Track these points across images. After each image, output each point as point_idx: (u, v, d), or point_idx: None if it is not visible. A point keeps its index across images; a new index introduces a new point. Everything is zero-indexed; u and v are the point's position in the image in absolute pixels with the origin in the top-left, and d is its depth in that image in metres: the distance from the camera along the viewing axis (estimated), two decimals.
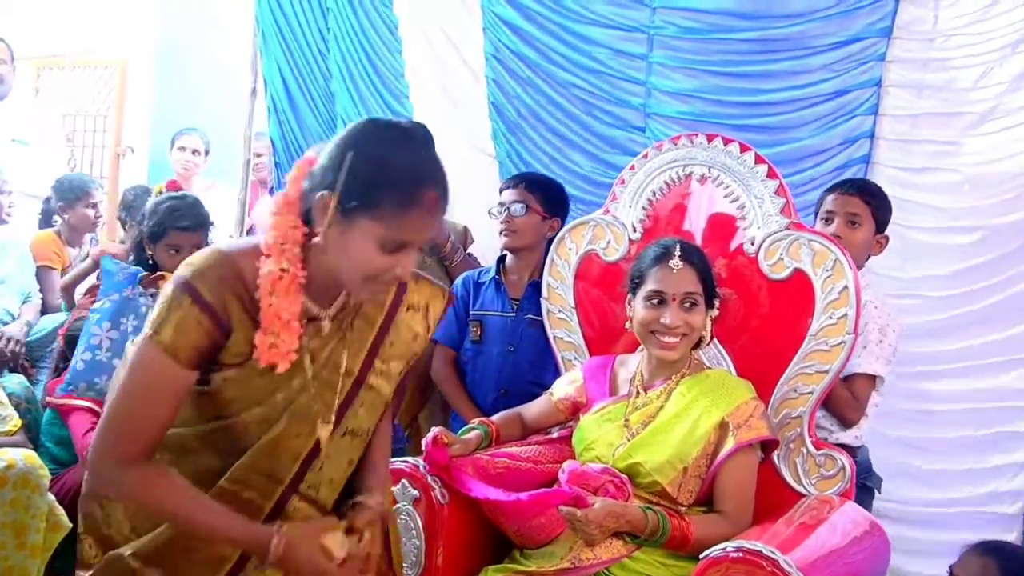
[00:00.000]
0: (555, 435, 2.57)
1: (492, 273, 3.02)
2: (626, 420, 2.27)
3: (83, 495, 1.82)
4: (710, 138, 2.51)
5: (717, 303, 2.29)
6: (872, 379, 2.55)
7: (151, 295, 2.84)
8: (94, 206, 4.28)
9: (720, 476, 2.17)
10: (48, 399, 3.44)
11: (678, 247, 2.23)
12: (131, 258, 3.06)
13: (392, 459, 2.17)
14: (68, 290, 3.98)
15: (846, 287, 2.27)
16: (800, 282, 2.34)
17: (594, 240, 2.66)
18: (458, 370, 3.03)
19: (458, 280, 3.10)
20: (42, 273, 4.12)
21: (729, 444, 2.16)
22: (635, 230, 2.59)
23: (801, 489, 2.29)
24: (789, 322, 2.35)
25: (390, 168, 1.53)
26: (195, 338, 1.56)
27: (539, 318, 2.82)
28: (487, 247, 3.61)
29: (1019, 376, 2.86)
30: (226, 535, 1.63)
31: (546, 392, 2.53)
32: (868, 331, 2.49)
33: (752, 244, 2.41)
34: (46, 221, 4.44)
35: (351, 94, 4.15)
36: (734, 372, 2.40)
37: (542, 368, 2.87)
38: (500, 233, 2.94)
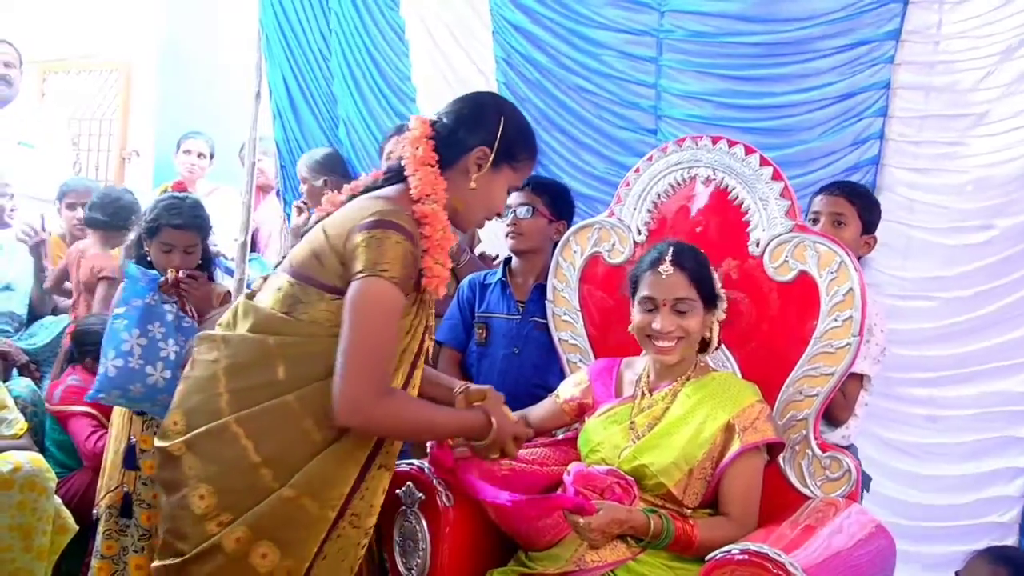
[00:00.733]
0: (560, 437, 2.57)
1: (498, 275, 3.01)
2: (632, 422, 2.27)
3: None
4: (715, 140, 2.51)
5: (722, 305, 2.29)
6: (860, 378, 2.56)
7: (173, 301, 2.83)
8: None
9: (725, 478, 2.17)
10: (47, 406, 3.45)
11: (670, 251, 2.23)
12: (132, 256, 3.04)
13: (397, 462, 2.20)
14: (51, 292, 3.98)
15: (851, 289, 2.26)
16: (805, 284, 2.33)
17: (599, 242, 2.66)
18: (463, 372, 3.03)
19: (464, 282, 3.10)
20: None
21: (735, 446, 2.16)
22: (640, 232, 2.59)
23: (806, 491, 2.28)
24: (794, 324, 2.35)
25: (527, 133, 2.15)
26: (411, 269, 1.93)
27: (544, 321, 2.81)
28: (490, 246, 3.63)
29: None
30: (458, 425, 2.10)
31: (551, 394, 2.54)
32: None
33: (757, 246, 2.41)
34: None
35: (354, 96, 4.16)
36: (740, 374, 2.40)
37: (547, 371, 2.87)
38: (506, 236, 2.94)
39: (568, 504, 2.06)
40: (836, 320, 2.28)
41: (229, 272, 4.16)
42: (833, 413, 2.52)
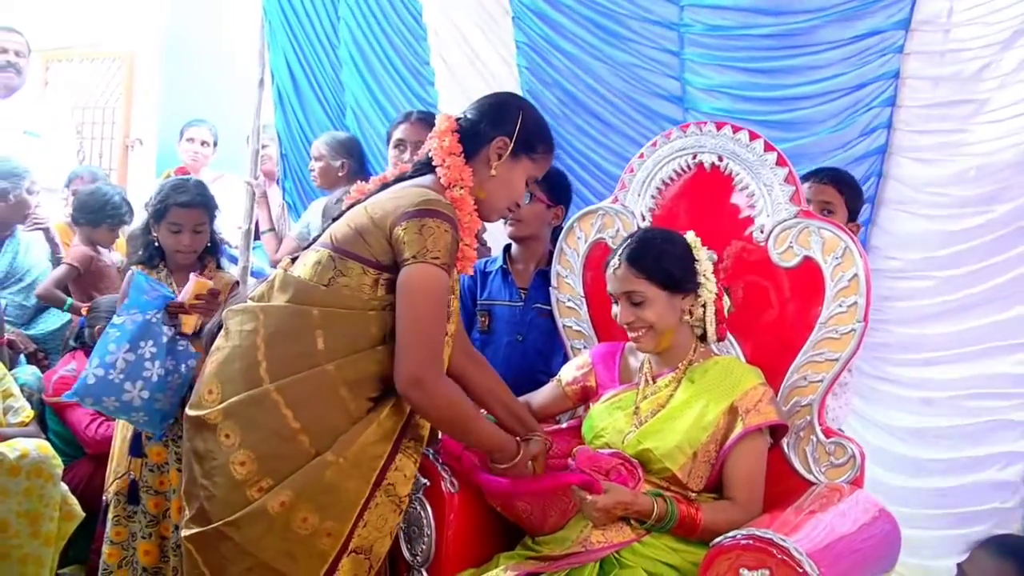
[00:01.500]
0: (565, 425, 2.58)
1: (499, 263, 3.01)
2: (636, 408, 2.28)
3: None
4: (719, 126, 2.50)
5: (708, 287, 2.27)
6: None
7: (172, 326, 2.82)
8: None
9: (729, 461, 2.18)
10: (44, 397, 3.47)
11: (624, 244, 2.28)
12: (136, 243, 3.05)
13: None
14: (50, 294, 3.98)
15: (856, 275, 2.26)
16: (810, 270, 2.33)
17: (603, 228, 2.66)
18: None
19: None
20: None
21: (738, 429, 2.17)
22: (644, 218, 2.59)
23: (811, 477, 2.28)
24: (799, 310, 2.35)
25: (544, 127, 2.28)
26: (454, 251, 2.06)
27: (547, 307, 2.81)
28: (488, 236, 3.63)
29: (1019, 361, 2.85)
30: (495, 441, 2.15)
31: (554, 378, 2.54)
32: None
33: (762, 232, 2.40)
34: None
35: (366, 82, 4.13)
36: (745, 360, 2.40)
37: (551, 357, 2.87)
38: (506, 223, 2.93)
39: (577, 480, 2.08)
40: (841, 306, 2.27)
41: (233, 260, 4.17)
42: None
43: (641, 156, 2.62)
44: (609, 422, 2.30)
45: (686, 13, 3.15)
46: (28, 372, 3.66)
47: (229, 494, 1.96)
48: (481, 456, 2.22)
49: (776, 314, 2.39)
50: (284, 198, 4.63)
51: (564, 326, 2.73)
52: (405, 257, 2.00)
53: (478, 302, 2.99)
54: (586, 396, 2.47)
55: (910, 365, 2.97)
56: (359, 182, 2.29)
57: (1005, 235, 2.80)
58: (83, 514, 3.11)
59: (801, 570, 1.74)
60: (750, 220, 2.43)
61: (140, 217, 4.39)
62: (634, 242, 2.28)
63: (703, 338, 2.32)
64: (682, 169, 2.55)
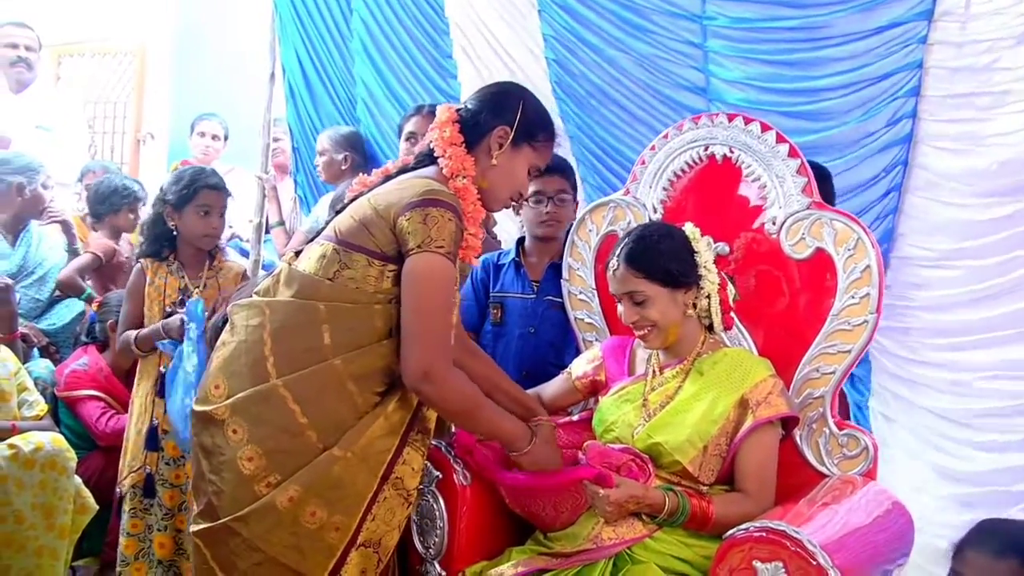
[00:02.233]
0: (576, 417, 2.58)
1: (511, 255, 3.01)
2: (644, 400, 2.28)
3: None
4: (731, 117, 2.48)
5: (709, 278, 2.27)
6: None
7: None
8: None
9: (740, 454, 2.17)
10: (56, 391, 3.49)
11: (621, 245, 2.27)
12: (145, 236, 3.05)
13: None
14: (72, 281, 4.01)
15: (868, 266, 2.24)
16: (822, 261, 2.31)
17: (615, 221, 2.65)
18: None
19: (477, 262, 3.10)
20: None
21: (748, 421, 2.16)
22: (656, 211, 2.58)
23: (824, 469, 2.27)
24: (811, 302, 2.34)
25: (545, 115, 2.27)
26: (458, 241, 2.04)
27: (560, 300, 2.81)
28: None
29: None
30: (508, 430, 2.13)
31: (564, 371, 2.54)
32: None
33: (774, 224, 2.39)
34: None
35: (382, 75, 4.13)
36: (756, 352, 2.39)
37: (563, 350, 2.87)
38: (542, 222, 2.90)
39: (590, 475, 2.07)
40: (853, 297, 2.26)
41: (245, 253, 4.18)
42: None
43: (653, 148, 2.61)
44: (619, 415, 2.29)
45: (709, 5, 3.14)
46: (41, 366, 3.68)
47: (237, 490, 1.96)
48: (495, 452, 2.22)
49: (788, 306, 2.38)
50: (296, 192, 4.64)
51: (576, 319, 2.73)
52: (410, 247, 1.98)
53: (491, 294, 2.99)
54: (596, 389, 2.47)
55: (939, 350, 2.96)
56: (361, 174, 2.28)
57: None
58: (96, 507, 3.12)
59: (815, 562, 1.74)
60: (762, 212, 2.42)
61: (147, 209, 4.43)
62: (631, 241, 2.26)
63: (710, 328, 2.31)
64: (694, 161, 2.54)
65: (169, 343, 2.87)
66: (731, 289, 2.32)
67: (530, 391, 2.54)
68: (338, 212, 2.18)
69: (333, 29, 4.31)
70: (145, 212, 4.20)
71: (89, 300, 3.94)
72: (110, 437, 3.36)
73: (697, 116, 2.56)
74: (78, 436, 3.42)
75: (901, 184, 2.96)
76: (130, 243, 4.29)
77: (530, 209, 2.91)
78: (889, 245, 2.98)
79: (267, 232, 4.44)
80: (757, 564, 1.80)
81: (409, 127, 3.44)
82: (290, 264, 2.13)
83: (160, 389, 2.93)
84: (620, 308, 2.29)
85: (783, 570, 1.77)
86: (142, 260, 3.05)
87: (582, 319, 2.72)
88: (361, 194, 2.18)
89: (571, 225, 2.90)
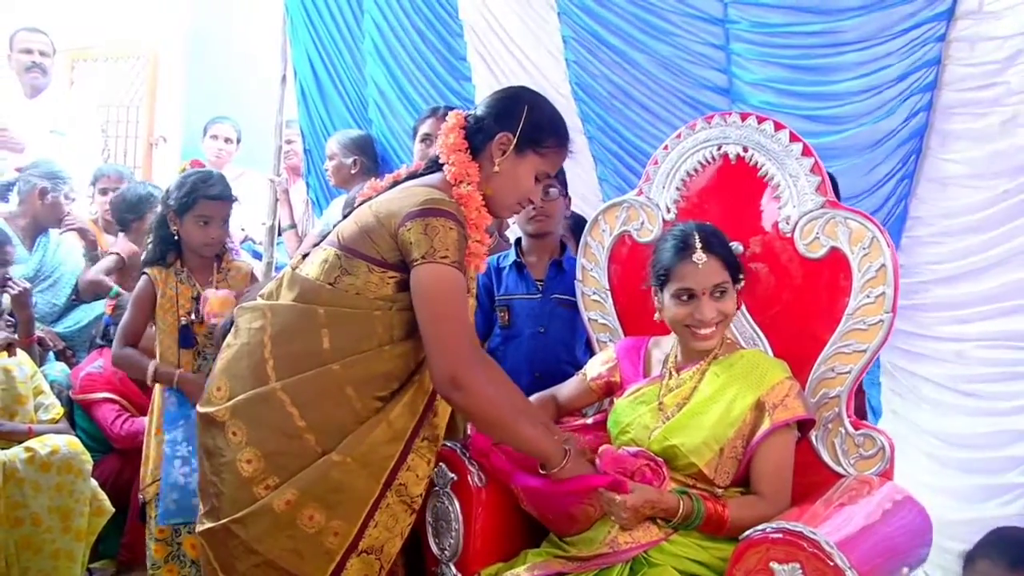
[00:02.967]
0: (590, 420, 2.57)
1: (512, 258, 2.99)
2: (660, 402, 2.27)
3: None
4: (744, 117, 2.47)
5: (742, 276, 2.27)
6: None
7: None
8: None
9: (757, 457, 2.16)
10: (71, 394, 3.50)
11: (697, 238, 2.20)
12: (151, 239, 3.03)
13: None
14: (96, 281, 4.03)
15: (884, 265, 2.23)
16: (837, 261, 2.30)
17: (627, 221, 2.64)
18: None
19: None
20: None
21: (765, 424, 2.15)
22: (669, 211, 2.57)
23: (840, 470, 2.26)
24: (826, 301, 2.32)
25: (553, 121, 2.20)
26: (463, 249, 2.03)
27: (566, 297, 2.81)
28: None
29: None
30: (540, 444, 2.10)
31: (579, 372, 2.54)
32: None
33: (788, 223, 2.38)
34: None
35: (395, 77, 4.14)
36: (771, 352, 2.38)
37: (574, 347, 2.87)
38: (531, 219, 2.90)
39: (605, 482, 2.07)
40: (869, 296, 2.25)
41: (257, 256, 4.20)
42: None
43: (665, 148, 2.60)
44: (634, 417, 2.28)
45: (731, 9, 3.14)
46: (57, 369, 3.70)
47: (236, 491, 1.97)
48: (510, 455, 2.21)
49: (803, 305, 2.37)
50: (308, 195, 4.65)
51: (589, 319, 2.72)
52: (414, 258, 1.98)
53: (496, 298, 2.98)
54: (610, 390, 2.46)
55: (946, 323, 2.97)
56: (373, 179, 2.29)
57: None
58: (112, 509, 3.14)
59: (832, 563, 1.73)
60: (776, 211, 2.41)
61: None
62: (703, 233, 2.22)
63: None
64: (707, 160, 2.53)
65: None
66: None
67: (544, 392, 2.54)
68: (346, 216, 2.19)
69: (344, 31, 4.32)
70: None
71: (117, 296, 3.97)
72: (125, 440, 3.37)
73: (710, 116, 2.55)
74: (93, 439, 3.44)
75: (914, 172, 2.96)
76: None
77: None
78: (901, 227, 2.99)
79: (279, 235, 4.45)
80: (774, 565, 1.79)
81: (424, 129, 3.45)
82: (293, 268, 2.14)
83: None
84: (681, 307, 2.20)
85: (800, 571, 1.76)
86: (148, 270, 2.96)
87: (596, 320, 2.71)
88: (371, 198, 2.18)
89: (568, 220, 2.90)
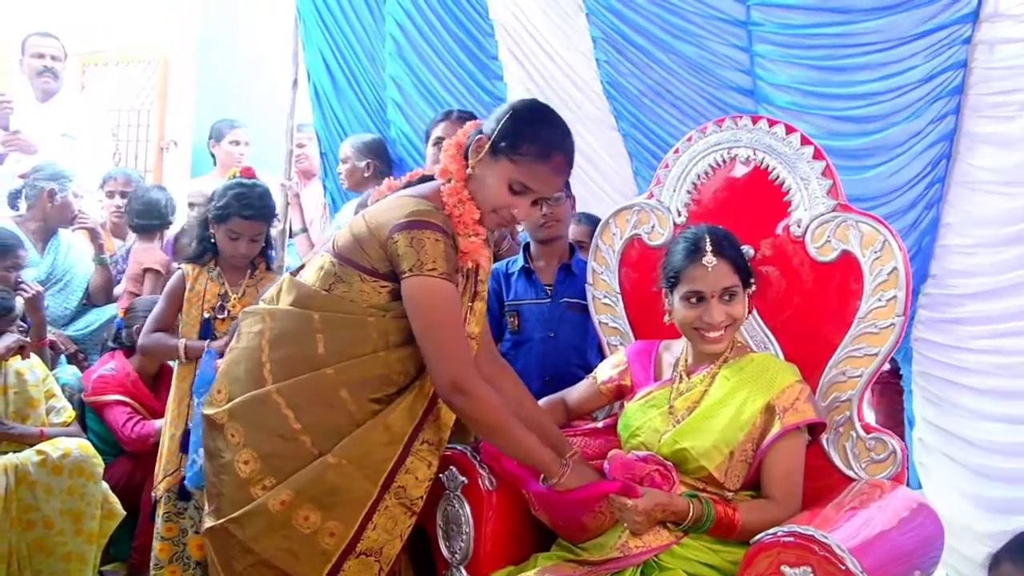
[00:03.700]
0: (600, 424, 2.57)
1: (520, 263, 3.00)
2: (671, 406, 2.26)
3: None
4: (755, 120, 2.47)
5: (753, 280, 2.27)
6: None
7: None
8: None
9: (767, 460, 2.15)
10: (83, 397, 3.52)
11: (708, 241, 2.20)
12: (193, 237, 3.07)
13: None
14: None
15: (895, 268, 2.23)
16: (848, 264, 2.30)
17: (638, 225, 2.65)
18: None
19: None
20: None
21: (776, 428, 2.14)
22: (680, 214, 2.57)
23: (851, 473, 2.26)
24: (837, 305, 2.32)
25: (536, 129, 2.08)
26: (453, 262, 2.03)
27: (576, 301, 2.82)
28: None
29: None
30: (533, 455, 2.08)
31: (589, 376, 2.53)
32: None
33: (799, 227, 2.38)
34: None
35: (420, 78, 4.14)
36: (782, 356, 2.37)
37: (585, 350, 2.87)
38: (540, 226, 2.91)
39: (615, 488, 2.07)
40: (880, 300, 2.25)
41: (272, 258, 4.20)
42: None
43: (676, 151, 2.60)
44: (644, 421, 2.28)
45: (754, 12, 3.14)
46: (68, 372, 3.72)
47: (235, 492, 2.01)
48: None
49: (814, 309, 2.36)
50: (325, 197, 4.66)
51: (600, 323, 2.72)
52: (403, 270, 2.01)
53: (505, 304, 2.98)
54: (621, 394, 2.46)
55: (986, 337, 2.95)
56: (389, 179, 2.30)
57: None
58: (124, 512, 3.15)
59: (843, 567, 1.73)
60: (787, 214, 2.40)
61: (184, 214, 4.48)
62: (712, 236, 2.22)
63: None
64: (718, 164, 2.53)
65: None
66: None
67: (554, 396, 2.54)
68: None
69: (361, 33, 4.32)
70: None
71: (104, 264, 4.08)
72: (137, 443, 3.38)
73: (721, 119, 2.55)
74: (105, 441, 3.45)
75: (945, 176, 2.95)
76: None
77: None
78: (934, 235, 2.97)
79: (291, 238, 4.46)
80: (785, 569, 1.79)
81: (437, 132, 3.46)
82: (292, 274, 2.18)
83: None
84: (690, 310, 2.21)
85: (812, 575, 1.76)
86: (184, 265, 3.06)
87: (606, 323, 2.71)
88: (385, 196, 2.21)
89: (576, 222, 2.90)
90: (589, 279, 2.74)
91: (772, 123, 2.45)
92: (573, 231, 3.19)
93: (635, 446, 2.26)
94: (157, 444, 3.13)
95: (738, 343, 2.31)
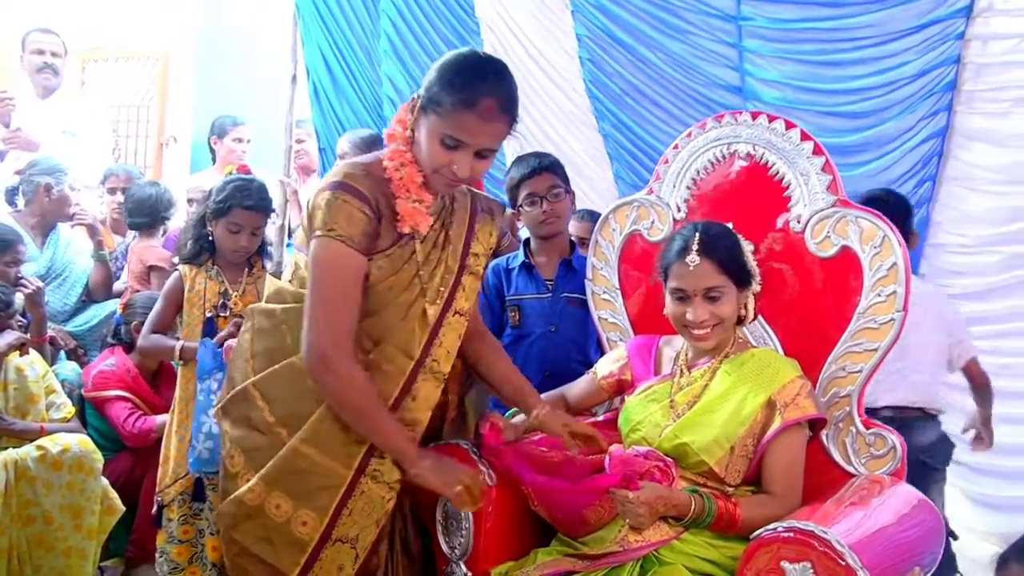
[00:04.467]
0: (601, 418, 2.57)
1: (520, 258, 3.01)
2: (671, 400, 2.26)
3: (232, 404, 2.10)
4: (754, 115, 2.47)
5: (756, 279, 2.27)
6: None
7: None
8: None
9: (768, 455, 2.16)
10: (83, 392, 3.52)
11: (696, 239, 2.20)
12: (190, 237, 3.07)
13: (439, 442, 2.27)
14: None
15: (895, 264, 2.23)
16: (848, 259, 2.30)
17: (638, 220, 2.64)
18: None
19: (487, 270, 3.10)
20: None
21: (776, 423, 2.14)
22: (679, 210, 2.57)
23: (851, 469, 2.26)
24: (837, 300, 2.32)
25: (454, 77, 1.95)
26: (359, 223, 1.93)
27: (577, 296, 2.82)
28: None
29: None
30: (394, 441, 2.00)
31: (589, 371, 2.53)
32: None
33: (798, 222, 2.38)
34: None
35: (412, 75, 4.16)
36: (781, 351, 2.38)
37: (586, 345, 2.88)
38: (541, 222, 2.92)
39: (614, 481, 2.07)
40: (880, 295, 2.25)
41: (269, 256, 4.19)
42: None
43: (676, 147, 2.60)
44: (645, 415, 2.28)
45: (744, 6, 3.14)
46: (68, 368, 3.72)
47: (227, 484, 2.08)
48: (521, 454, 2.22)
49: (814, 304, 2.36)
50: None
51: (600, 318, 2.72)
52: (312, 229, 1.97)
53: (506, 299, 2.99)
54: (621, 389, 2.46)
55: (980, 337, 2.95)
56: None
57: None
58: (123, 508, 3.15)
59: (843, 563, 1.73)
60: (787, 210, 2.40)
61: (184, 209, 4.48)
62: (704, 236, 2.21)
63: (738, 323, 2.30)
64: (717, 159, 2.52)
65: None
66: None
67: (554, 392, 2.53)
68: None
69: (359, 30, 4.34)
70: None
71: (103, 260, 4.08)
72: (137, 437, 3.39)
73: (720, 115, 2.55)
74: (105, 437, 3.45)
75: (936, 175, 2.95)
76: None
77: (527, 212, 2.93)
78: (924, 233, 2.97)
79: (290, 236, 4.46)
80: (785, 565, 1.79)
81: None
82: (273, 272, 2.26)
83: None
84: (679, 307, 2.22)
85: (811, 570, 1.77)
86: (181, 266, 3.05)
87: (606, 319, 2.71)
88: None
89: (579, 218, 2.89)
90: (589, 274, 2.74)
91: (772, 119, 2.44)
92: (574, 227, 3.19)
93: (636, 440, 2.26)
94: (158, 440, 3.13)
95: (739, 338, 2.31)
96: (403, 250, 2.05)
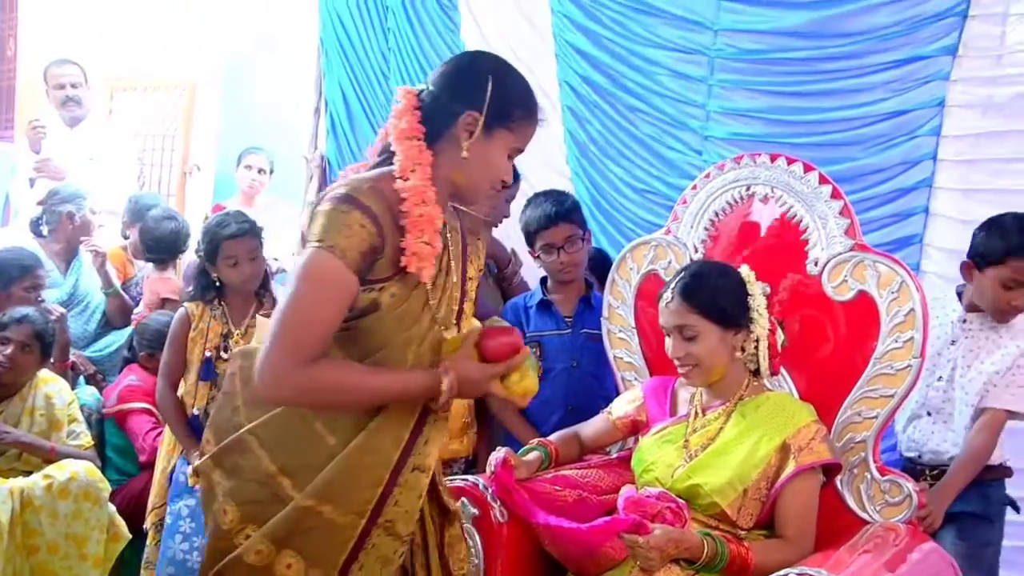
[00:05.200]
0: (614, 456, 2.56)
1: (538, 296, 3.03)
2: (686, 441, 2.26)
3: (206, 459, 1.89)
4: (773, 158, 2.49)
5: (760, 323, 2.24)
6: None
7: None
8: None
9: (781, 499, 2.14)
10: (105, 410, 3.55)
11: (677, 281, 2.24)
12: (191, 288, 3.09)
13: (452, 478, 2.25)
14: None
15: (912, 309, 2.22)
16: (865, 304, 2.30)
17: (655, 260, 2.65)
18: None
19: (505, 307, 3.12)
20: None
21: (790, 467, 2.13)
22: (696, 250, 2.58)
23: (865, 516, 2.24)
24: (853, 345, 2.31)
25: (520, 89, 1.87)
26: (359, 242, 1.72)
27: (596, 331, 2.83)
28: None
29: None
30: (402, 387, 1.78)
31: (604, 411, 2.53)
32: None
33: (816, 265, 2.38)
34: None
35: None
36: (797, 395, 2.37)
37: (605, 380, 2.88)
38: (559, 271, 2.94)
39: (625, 525, 2.05)
40: (897, 341, 2.24)
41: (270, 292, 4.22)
42: None
43: (694, 188, 2.61)
44: (659, 456, 2.28)
45: (720, 38, 3.15)
46: (87, 393, 3.74)
47: (218, 542, 1.85)
48: (533, 494, 2.21)
49: (830, 349, 2.36)
50: None
51: (615, 357, 2.72)
52: (308, 240, 1.75)
53: (526, 335, 2.99)
54: (636, 429, 2.46)
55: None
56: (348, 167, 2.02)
57: None
58: (129, 535, 3.16)
59: None
60: (804, 253, 2.40)
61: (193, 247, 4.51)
62: (687, 276, 2.25)
63: (756, 372, 2.29)
64: (735, 201, 2.53)
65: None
66: (780, 335, 2.29)
67: (567, 431, 2.53)
68: None
69: (376, 66, 4.39)
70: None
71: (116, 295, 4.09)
72: (154, 453, 3.41)
73: (739, 156, 2.56)
74: (123, 455, 3.48)
75: (922, 235, 2.93)
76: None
77: (544, 260, 2.96)
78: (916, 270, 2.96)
79: None
80: None
81: None
82: None
83: (190, 430, 2.99)
84: (668, 342, 2.26)
85: None
86: (187, 305, 3.06)
87: (621, 357, 2.71)
88: None
89: (594, 256, 2.90)
90: (605, 313, 2.74)
91: (791, 161, 2.46)
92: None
93: (648, 481, 2.25)
94: None
95: (755, 382, 2.30)
96: (411, 277, 1.82)
